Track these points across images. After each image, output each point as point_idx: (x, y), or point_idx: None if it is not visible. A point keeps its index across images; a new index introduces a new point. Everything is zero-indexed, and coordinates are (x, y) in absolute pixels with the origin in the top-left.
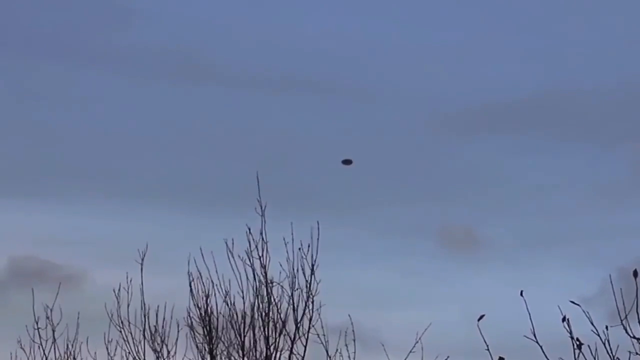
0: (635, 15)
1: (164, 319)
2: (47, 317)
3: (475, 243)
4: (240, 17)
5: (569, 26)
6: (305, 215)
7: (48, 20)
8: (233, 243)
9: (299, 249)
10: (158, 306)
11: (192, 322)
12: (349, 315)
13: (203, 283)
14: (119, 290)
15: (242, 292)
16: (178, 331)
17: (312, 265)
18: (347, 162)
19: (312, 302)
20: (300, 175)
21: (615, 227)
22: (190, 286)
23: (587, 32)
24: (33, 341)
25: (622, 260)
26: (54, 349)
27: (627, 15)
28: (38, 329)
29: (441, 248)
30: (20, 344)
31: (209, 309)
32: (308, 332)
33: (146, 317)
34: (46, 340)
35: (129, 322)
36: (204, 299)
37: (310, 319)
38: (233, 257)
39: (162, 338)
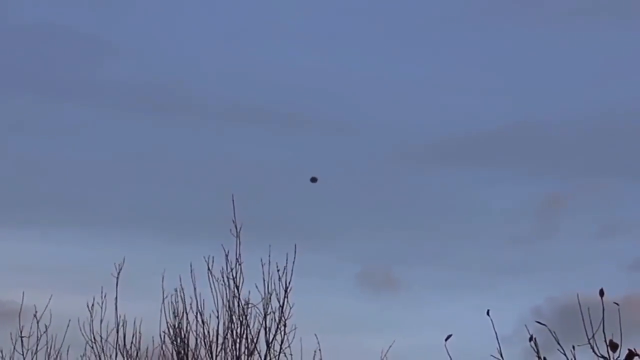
0: (602, 49)
1: (138, 334)
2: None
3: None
4: (215, 51)
5: (536, 59)
6: (280, 240)
7: (26, 55)
8: (213, 262)
9: (277, 270)
10: (134, 322)
11: (164, 340)
12: (315, 335)
13: (176, 301)
14: (93, 305)
15: (217, 312)
16: (153, 349)
17: (286, 288)
18: (313, 179)
19: (285, 325)
20: (273, 203)
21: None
22: (164, 304)
23: (554, 66)
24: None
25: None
26: None
27: (594, 49)
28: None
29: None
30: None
31: (181, 328)
32: (279, 354)
33: (119, 333)
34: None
35: (102, 338)
36: (176, 317)
37: (282, 341)
38: (213, 275)
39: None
